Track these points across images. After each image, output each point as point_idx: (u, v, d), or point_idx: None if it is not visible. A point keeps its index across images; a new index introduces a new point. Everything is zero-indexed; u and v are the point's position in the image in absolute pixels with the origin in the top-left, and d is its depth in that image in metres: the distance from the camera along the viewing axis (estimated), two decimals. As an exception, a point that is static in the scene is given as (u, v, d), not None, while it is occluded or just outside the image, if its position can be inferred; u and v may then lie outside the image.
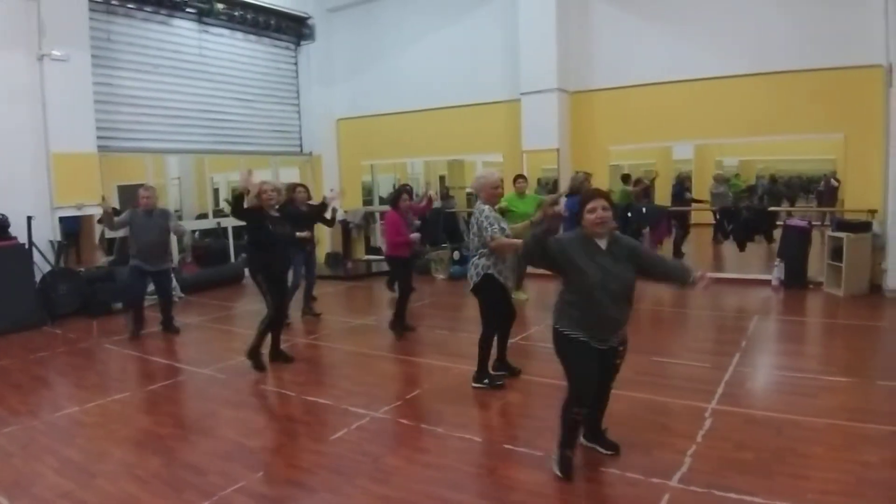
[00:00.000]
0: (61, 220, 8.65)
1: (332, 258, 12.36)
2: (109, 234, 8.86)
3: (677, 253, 10.94)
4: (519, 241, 4.50)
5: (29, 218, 7.97)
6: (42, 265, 8.22)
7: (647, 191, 11.10)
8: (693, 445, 3.74)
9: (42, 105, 8.43)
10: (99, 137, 9.09)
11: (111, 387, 5.54)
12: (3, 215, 7.82)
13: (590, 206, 3.32)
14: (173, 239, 7.98)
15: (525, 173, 9.29)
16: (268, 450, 4.04)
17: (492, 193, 4.93)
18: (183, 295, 9.38)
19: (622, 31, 9.76)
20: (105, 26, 9.49)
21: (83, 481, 3.63)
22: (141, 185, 7.50)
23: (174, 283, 9.28)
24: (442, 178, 14.37)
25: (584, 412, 3.45)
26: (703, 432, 3.93)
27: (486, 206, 4.88)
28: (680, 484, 3.29)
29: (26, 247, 7.96)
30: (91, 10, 9.02)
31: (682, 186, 12.54)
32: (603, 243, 3.34)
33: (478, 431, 4.12)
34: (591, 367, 3.38)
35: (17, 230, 7.91)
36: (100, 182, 8.77)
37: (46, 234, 8.33)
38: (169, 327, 7.44)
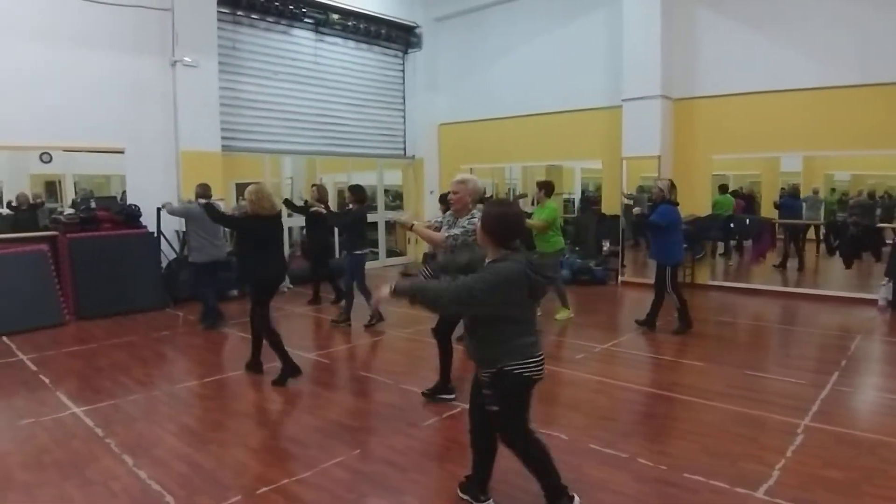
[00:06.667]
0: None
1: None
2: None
3: (801, 269, 10.53)
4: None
5: (158, 209, 8.73)
6: (168, 253, 8.99)
7: (750, 203, 10.68)
8: (782, 460, 3.69)
9: (174, 107, 9.25)
10: (222, 138, 9.84)
11: (226, 365, 6.06)
12: (136, 206, 8.65)
13: None
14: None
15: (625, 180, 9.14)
16: (365, 430, 4.31)
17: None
18: (291, 286, 10.01)
19: (727, 38, 9.51)
20: (231, 35, 10.28)
21: (199, 446, 4.03)
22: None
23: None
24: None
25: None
26: (793, 448, 3.86)
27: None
28: (765, 496, 3.26)
29: (155, 235, 8.75)
30: (219, 20, 9.80)
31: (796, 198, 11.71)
32: (486, 262, 2.88)
33: (564, 429, 4.20)
34: (472, 393, 3.22)
35: (148, 220, 8.71)
36: (222, 179, 9.48)
37: (173, 224, 9.10)
38: (209, 324, 7.46)
